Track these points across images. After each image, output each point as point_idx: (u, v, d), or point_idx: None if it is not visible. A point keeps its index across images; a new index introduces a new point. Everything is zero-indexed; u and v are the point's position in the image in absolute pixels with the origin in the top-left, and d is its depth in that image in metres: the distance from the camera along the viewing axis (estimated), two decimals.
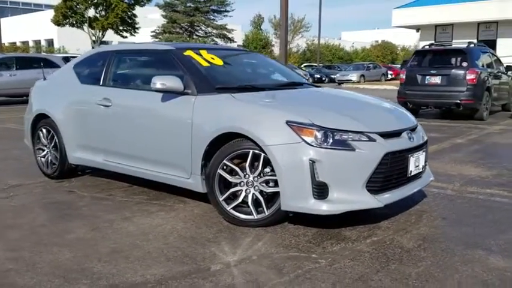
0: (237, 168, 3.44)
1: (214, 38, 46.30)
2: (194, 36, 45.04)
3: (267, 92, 3.99)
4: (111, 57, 4.57)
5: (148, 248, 3.10)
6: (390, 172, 3.31)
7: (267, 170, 3.39)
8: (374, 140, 3.25)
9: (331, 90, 4.57)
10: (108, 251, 3.05)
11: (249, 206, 3.44)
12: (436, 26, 27.84)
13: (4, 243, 3.22)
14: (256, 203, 3.42)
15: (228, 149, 3.46)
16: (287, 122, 3.24)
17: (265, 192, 3.39)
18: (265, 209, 3.39)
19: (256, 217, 3.42)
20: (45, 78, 5.40)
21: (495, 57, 12.15)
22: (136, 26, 35.42)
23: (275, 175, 3.30)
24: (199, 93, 3.74)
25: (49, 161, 5.04)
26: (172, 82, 3.73)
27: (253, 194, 3.42)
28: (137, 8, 34.23)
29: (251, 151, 3.36)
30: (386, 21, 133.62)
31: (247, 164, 3.40)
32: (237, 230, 3.42)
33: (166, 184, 4.07)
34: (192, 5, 44.12)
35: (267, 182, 3.39)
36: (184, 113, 3.73)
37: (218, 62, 4.20)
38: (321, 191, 3.14)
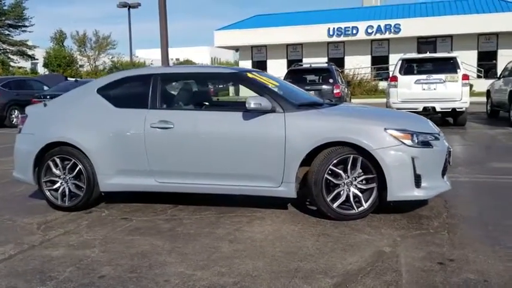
0: (340, 171, 4.08)
1: (11, 56, 41.72)
2: None
3: (334, 107, 4.70)
4: (155, 80, 4.58)
5: (309, 246, 3.52)
6: (447, 162, 4.40)
7: (360, 170, 4.12)
8: (439, 139, 4.29)
9: (364, 106, 5.50)
10: (282, 254, 3.38)
11: (348, 203, 4.11)
12: (252, 47, 30.86)
13: (177, 264, 3.23)
14: (354, 199, 4.12)
15: (331, 156, 4.06)
16: (385, 129, 4.04)
17: (361, 189, 4.12)
18: (364, 203, 4.11)
19: (357, 211, 4.11)
20: (45, 105, 4.94)
21: (340, 74, 14.69)
22: None
23: (368, 174, 4.07)
24: (286, 110, 4.23)
25: (66, 192, 4.68)
26: (265, 102, 4.15)
27: (353, 191, 4.11)
28: None
29: (351, 156, 4.06)
30: (178, 40, 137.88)
31: (348, 167, 4.07)
32: (344, 223, 4.04)
33: (208, 197, 4.40)
34: None
35: (361, 181, 4.12)
36: (275, 129, 4.17)
37: (275, 83, 4.70)
38: (418, 181, 4.03)
